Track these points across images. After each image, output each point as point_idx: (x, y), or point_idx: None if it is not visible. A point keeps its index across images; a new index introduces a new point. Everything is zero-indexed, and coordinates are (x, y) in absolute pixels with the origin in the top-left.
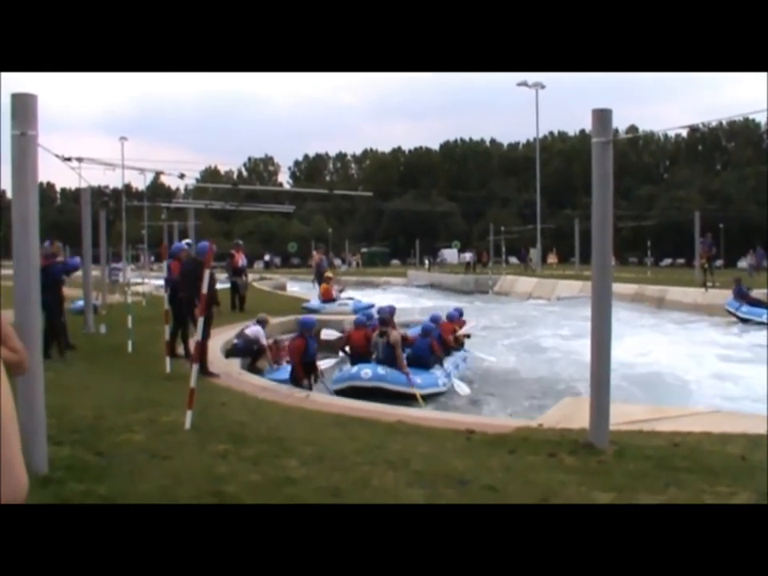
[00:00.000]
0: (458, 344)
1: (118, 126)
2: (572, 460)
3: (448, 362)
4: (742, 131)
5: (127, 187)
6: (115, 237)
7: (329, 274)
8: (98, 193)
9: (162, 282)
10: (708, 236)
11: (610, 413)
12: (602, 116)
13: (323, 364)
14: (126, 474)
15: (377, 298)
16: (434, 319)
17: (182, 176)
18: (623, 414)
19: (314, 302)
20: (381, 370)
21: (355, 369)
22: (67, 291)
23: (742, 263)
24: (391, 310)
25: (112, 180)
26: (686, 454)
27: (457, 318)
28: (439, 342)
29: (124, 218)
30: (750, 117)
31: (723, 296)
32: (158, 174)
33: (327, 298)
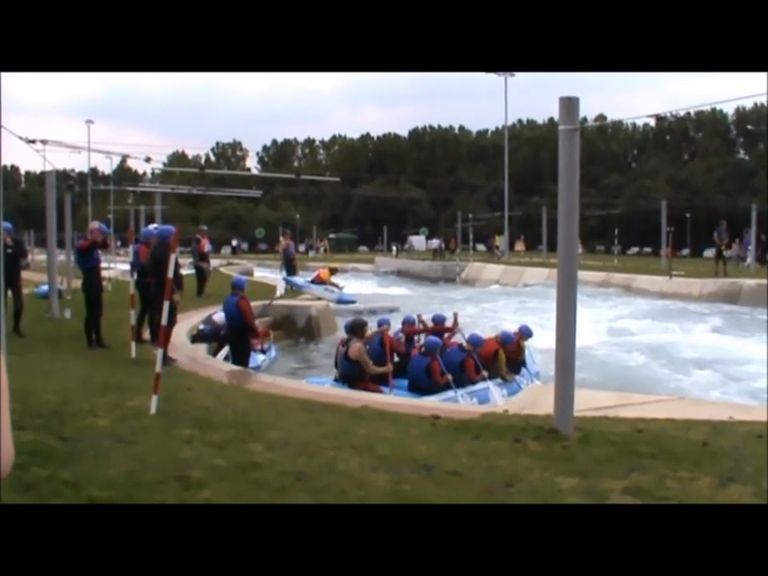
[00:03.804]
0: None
1: (84, 108)
2: (536, 445)
3: (464, 390)
4: (710, 122)
5: (93, 171)
6: (81, 221)
7: (334, 265)
8: (63, 176)
9: (128, 267)
10: (723, 223)
11: (574, 399)
12: (569, 104)
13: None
14: (90, 458)
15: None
16: (474, 341)
17: (148, 159)
18: (588, 401)
19: (300, 280)
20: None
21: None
22: (32, 276)
23: (708, 253)
24: (360, 323)
25: (78, 163)
26: (649, 440)
27: (511, 340)
28: (460, 366)
29: (90, 201)
30: (718, 107)
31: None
32: (124, 157)
33: (318, 281)
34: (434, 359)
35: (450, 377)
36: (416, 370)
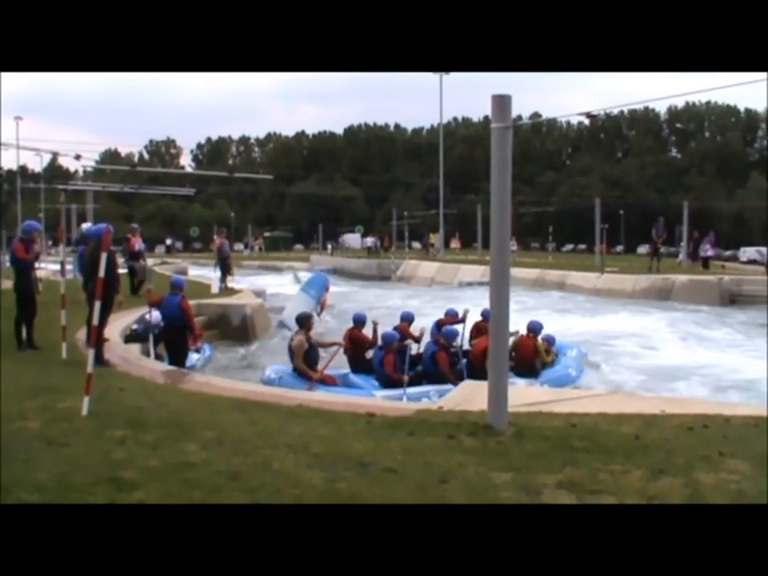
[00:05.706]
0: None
1: (11, 104)
2: (471, 441)
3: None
4: (643, 120)
5: (22, 168)
6: (10, 219)
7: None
8: None
9: (59, 267)
10: (660, 220)
11: (508, 394)
12: (502, 102)
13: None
14: (20, 462)
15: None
16: (448, 334)
17: (77, 157)
18: (523, 396)
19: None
20: (273, 374)
21: (267, 366)
22: None
23: (641, 249)
24: (306, 315)
25: (6, 161)
26: (582, 434)
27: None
28: (432, 359)
29: (19, 200)
30: (650, 106)
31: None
32: (54, 155)
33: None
34: (389, 353)
35: (406, 377)
36: (374, 361)
